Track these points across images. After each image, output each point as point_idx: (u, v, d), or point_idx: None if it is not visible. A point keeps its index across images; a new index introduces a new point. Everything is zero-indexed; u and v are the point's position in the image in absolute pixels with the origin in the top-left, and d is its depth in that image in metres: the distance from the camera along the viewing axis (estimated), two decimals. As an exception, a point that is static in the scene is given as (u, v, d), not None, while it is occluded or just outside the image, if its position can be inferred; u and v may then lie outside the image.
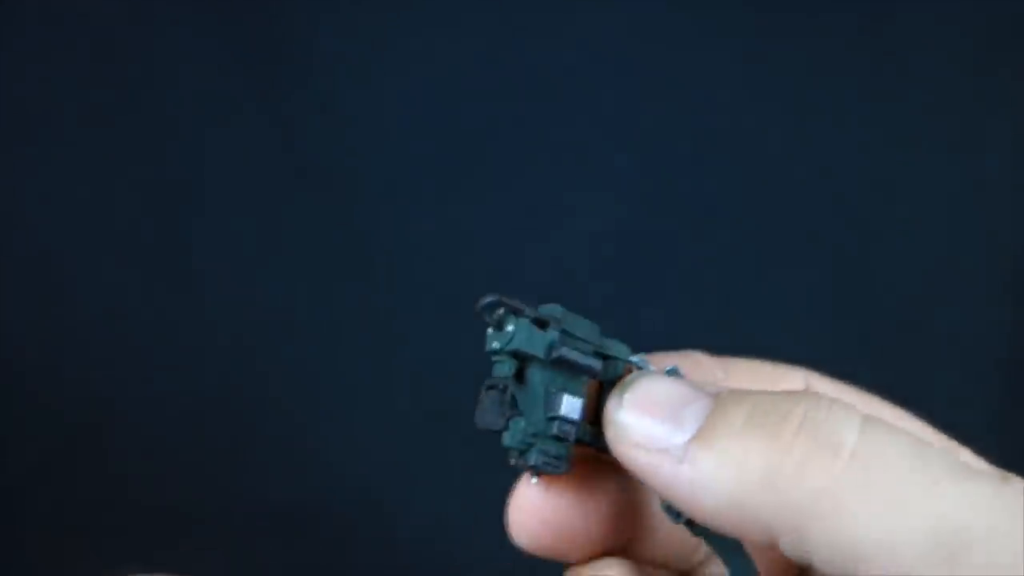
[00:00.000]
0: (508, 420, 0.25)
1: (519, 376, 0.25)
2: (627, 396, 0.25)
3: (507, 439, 0.25)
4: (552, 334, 0.25)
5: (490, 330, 0.25)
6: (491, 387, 0.25)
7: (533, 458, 0.25)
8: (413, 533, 0.62)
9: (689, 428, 0.23)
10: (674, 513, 0.25)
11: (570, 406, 0.25)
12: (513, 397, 0.25)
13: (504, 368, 0.25)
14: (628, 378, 0.25)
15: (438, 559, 0.62)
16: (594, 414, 0.26)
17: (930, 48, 0.62)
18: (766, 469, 0.22)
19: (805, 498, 0.21)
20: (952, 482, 0.21)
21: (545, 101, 0.62)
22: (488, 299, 0.24)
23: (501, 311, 0.25)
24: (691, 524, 0.26)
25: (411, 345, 0.62)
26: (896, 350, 0.62)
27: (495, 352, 0.25)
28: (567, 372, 0.25)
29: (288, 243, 0.62)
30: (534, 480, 0.26)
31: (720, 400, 0.24)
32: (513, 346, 0.25)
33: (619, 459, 0.24)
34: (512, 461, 0.25)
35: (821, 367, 0.62)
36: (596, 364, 0.26)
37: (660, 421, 0.24)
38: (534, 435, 0.25)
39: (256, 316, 0.62)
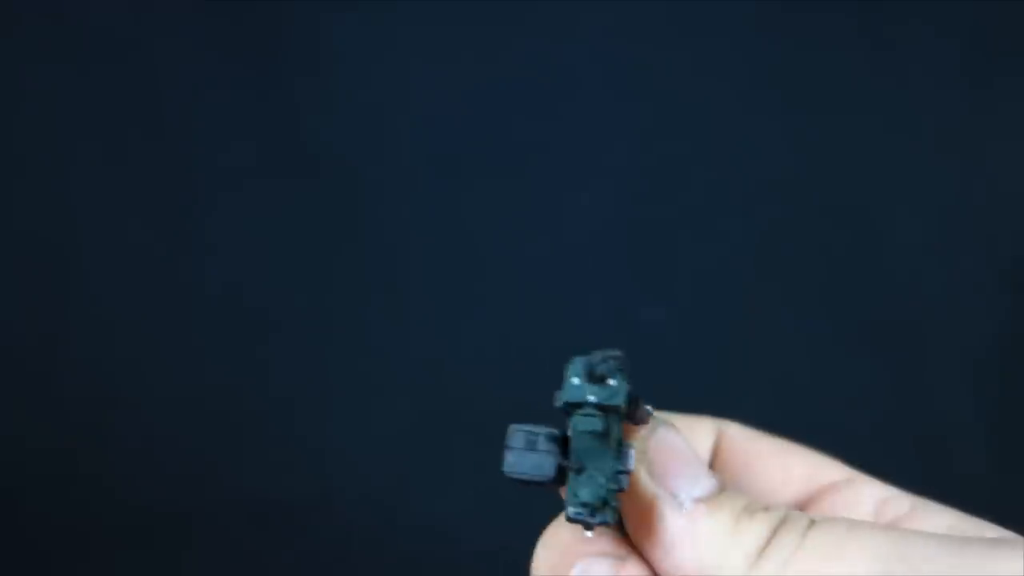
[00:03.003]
0: (566, 472, 0.24)
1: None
2: (662, 431, 0.26)
3: (586, 495, 0.24)
4: (629, 385, 0.24)
5: (575, 380, 0.24)
6: (529, 432, 0.24)
7: (609, 516, 0.24)
8: (414, 533, 0.62)
9: (699, 491, 0.25)
10: None
11: (633, 458, 0.25)
12: (565, 446, 0.24)
13: (598, 423, 0.24)
14: (653, 423, 0.26)
15: (439, 559, 0.62)
16: None
17: (929, 45, 0.62)
18: (759, 553, 0.24)
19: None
20: (890, 533, 0.23)
21: (546, 97, 0.62)
22: (615, 352, 0.24)
23: (611, 364, 0.24)
24: None
25: (412, 344, 0.62)
26: (895, 345, 0.62)
27: (583, 404, 0.24)
28: (622, 423, 0.25)
29: (289, 240, 0.62)
30: (589, 534, 0.25)
31: (724, 487, 0.25)
32: (614, 401, 0.24)
33: (635, 487, 0.25)
34: (582, 516, 0.24)
35: (820, 362, 0.62)
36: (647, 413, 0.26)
37: (683, 471, 0.25)
38: (609, 489, 0.24)
39: (254, 313, 0.62)
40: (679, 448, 0.25)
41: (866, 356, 0.62)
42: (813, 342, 0.62)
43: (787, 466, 0.30)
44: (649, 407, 0.27)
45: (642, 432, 0.26)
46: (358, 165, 0.62)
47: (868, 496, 0.29)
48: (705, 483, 0.25)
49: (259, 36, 0.61)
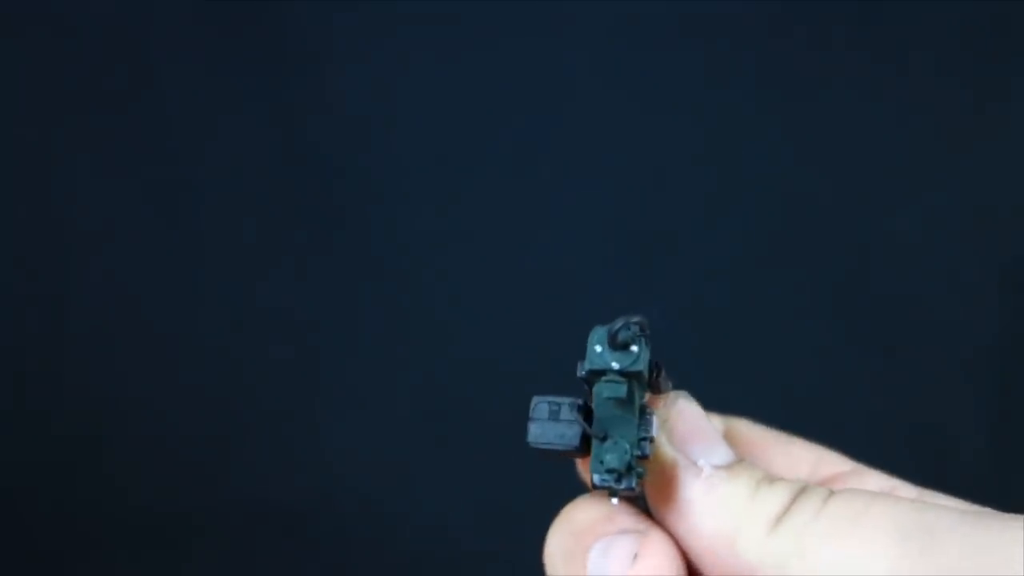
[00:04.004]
0: (591, 440, 0.24)
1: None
2: (682, 403, 0.26)
3: (612, 461, 0.24)
4: (648, 352, 0.25)
5: (598, 348, 0.24)
6: (552, 402, 0.25)
7: (633, 481, 0.24)
8: (413, 533, 0.62)
9: (717, 460, 0.25)
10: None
11: (656, 425, 0.25)
12: (588, 414, 0.25)
13: (621, 389, 0.24)
14: (673, 395, 0.26)
15: (439, 559, 0.62)
16: None
17: (930, 43, 0.62)
18: (778, 519, 0.24)
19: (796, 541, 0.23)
20: (911, 502, 0.23)
21: (547, 97, 0.62)
22: (636, 319, 0.24)
23: (633, 330, 0.24)
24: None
25: (412, 344, 0.62)
26: (894, 345, 0.62)
27: (608, 371, 0.24)
28: (644, 390, 0.25)
29: (288, 241, 0.62)
30: (615, 501, 0.25)
31: (743, 458, 0.26)
32: (637, 367, 0.24)
33: (656, 453, 0.25)
34: (608, 482, 0.24)
35: (820, 361, 0.62)
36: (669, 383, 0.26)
37: (702, 439, 0.25)
38: (633, 455, 0.24)
39: (256, 315, 0.62)
40: (698, 418, 0.26)
41: (866, 355, 0.62)
42: (813, 342, 0.62)
43: (792, 458, 0.30)
44: (669, 380, 0.27)
45: (662, 402, 0.26)
46: (358, 166, 0.62)
47: (873, 485, 0.29)
48: (723, 452, 0.25)
49: (259, 36, 0.61)
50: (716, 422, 0.30)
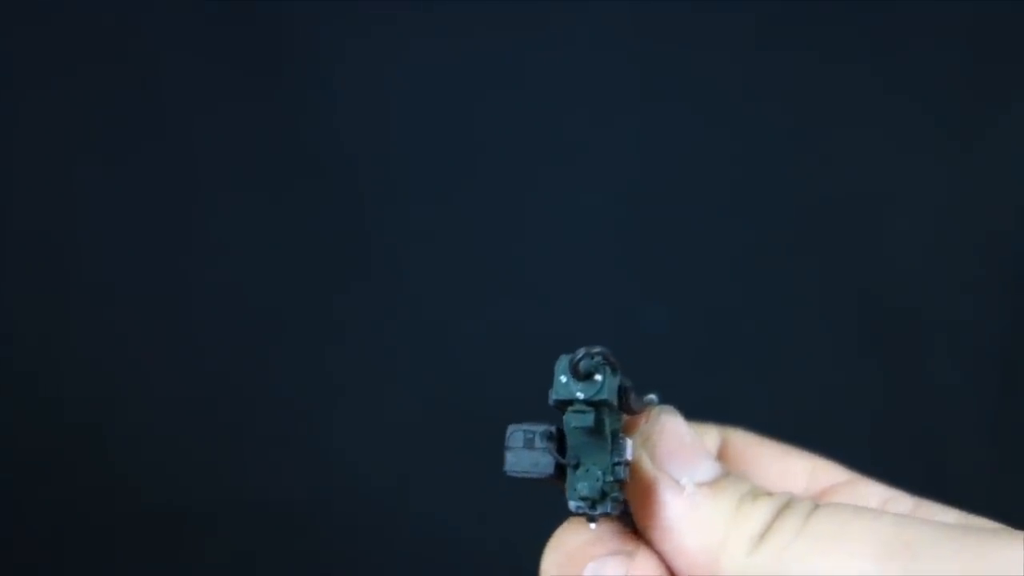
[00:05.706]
0: (565, 467, 0.25)
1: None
2: (665, 418, 0.26)
3: (584, 489, 0.24)
4: (619, 378, 0.25)
5: (563, 378, 0.24)
6: (527, 431, 0.25)
7: (609, 506, 0.25)
8: (415, 533, 0.62)
9: (701, 476, 0.25)
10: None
11: (630, 449, 0.25)
12: (561, 441, 0.25)
13: (588, 419, 0.24)
14: (656, 411, 0.26)
15: (440, 559, 0.62)
16: None
17: (930, 43, 0.62)
18: (760, 537, 0.24)
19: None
20: (894, 517, 0.23)
21: (548, 97, 0.62)
22: (597, 349, 0.24)
23: (595, 360, 0.24)
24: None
25: (412, 343, 0.62)
26: (895, 345, 0.62)
27: (573, 401, 0.24)
28: (618, 415, 0.25)
29: (287, 240, 0.62)
30: (593, 526, 0.25)
31: (728, 472, 0.26)
32: (602, 396, 0.24)
33: (638, 472, 0.25)
34: (583, 510, 0.25)
35: (820, 362, 0.62)
36: (644, 403, 0.27)
37: (685, 455, 0.25)
38: (607, 482, 0.25)
39: (255, 314, 0.62)
40: (681, 434, 0.26)
41: (866, 356, 0.62)
42: (813, 342, 0.62)
43: (789, 468, 0.30)
44: (653, 396, 0.27)
45: (645, 419, 0.26)
46: (359, 165, 0.62)
47: (869, 496, 0.29)
48: (707, 468, 0.25)
49: (260, 37, 0.61)
50: (711, 433, 0.30)
